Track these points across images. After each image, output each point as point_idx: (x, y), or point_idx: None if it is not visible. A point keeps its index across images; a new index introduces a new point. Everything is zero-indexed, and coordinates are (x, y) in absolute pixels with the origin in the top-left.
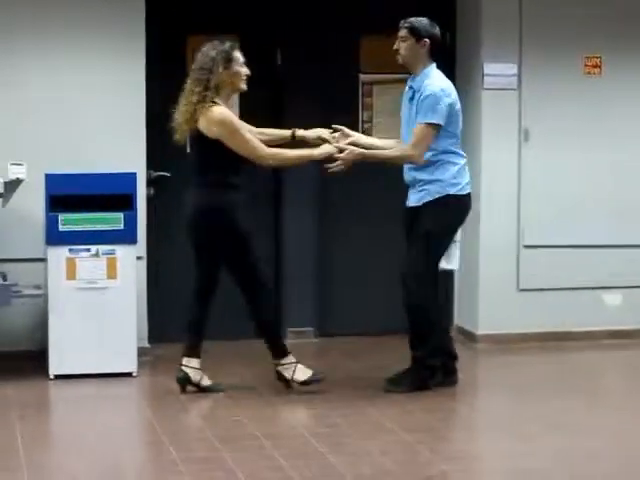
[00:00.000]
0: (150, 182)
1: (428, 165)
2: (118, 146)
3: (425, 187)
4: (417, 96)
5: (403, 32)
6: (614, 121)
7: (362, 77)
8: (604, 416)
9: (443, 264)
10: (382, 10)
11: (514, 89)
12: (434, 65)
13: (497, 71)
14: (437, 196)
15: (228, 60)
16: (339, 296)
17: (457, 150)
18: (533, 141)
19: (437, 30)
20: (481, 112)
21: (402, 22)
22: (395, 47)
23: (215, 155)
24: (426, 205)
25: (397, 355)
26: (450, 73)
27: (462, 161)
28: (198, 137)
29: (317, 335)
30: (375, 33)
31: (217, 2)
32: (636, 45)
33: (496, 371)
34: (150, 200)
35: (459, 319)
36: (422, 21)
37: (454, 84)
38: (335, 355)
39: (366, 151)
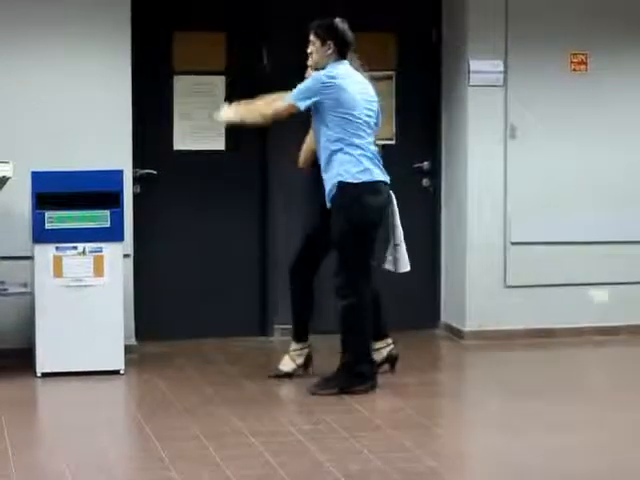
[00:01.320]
0: (136, 180)
1: (326, 163)
2: (104, 144)
3: (326, 186)
4: None
5: (311, 35)
6: (600, 117)
7: None
8: (592, 412)
9: (389, 266)
10: (367, 8)
11: (500, 86)
12: (343, 62)
13: (483, 68)
14: (333, 191)
15: None
16: (327, 293)
17: (351, 141)
18: (519, 138)
19: (343, 29)
20: (467, 109)
21: (310, 24)
22: (308, 51)
23: None
24: (332, 204)
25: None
26: (436, 70)
27: (356, 152)
28: None
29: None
30: (360, 31)
31: None
32: (622, 42)
33: (483, 368)
34: (137, 198)
35: (446, 316)
36: (327, 22)
37: (440, 81)
38: (323, 352)
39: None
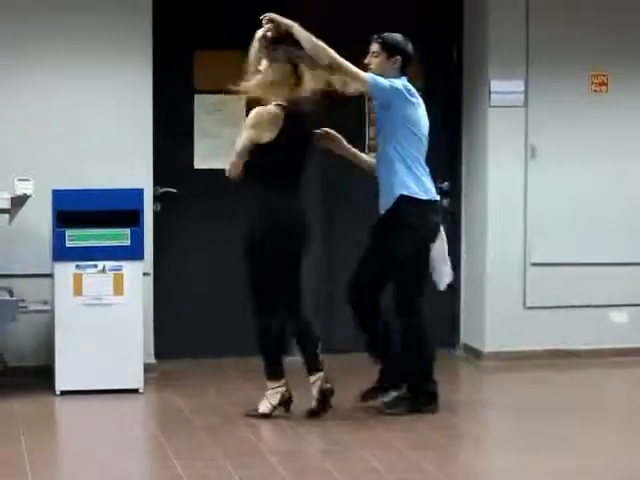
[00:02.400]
0: (157, 198)
1: (389, 166)
2: (125, 162)
3: (383, 192)
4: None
5: (375, 47)
6: (621, 138)
7: None
8: (611, 435)
9: (442, 285)
10: (386, 28)
11: (521, 106)
12: (404, 79)
13: (504, 88)
14: (392, 201)
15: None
16: (342, 312)
17: (419, 160)
18: (540, 158)
19: (410, 47)
20: (487, 129)
21: (375, 37)
22: (366, 61)
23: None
24: (388, 214)
25: None
26: (457, 90)
27: (419, 170)
28: None
29: (320, 351)
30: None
31: (223, 17)
32: None
33: (502, 389)
34: (157, 216)
35: (465, 336)
36: (395, 37)
37: (461, 101)
38: (338, 372)
39: None
